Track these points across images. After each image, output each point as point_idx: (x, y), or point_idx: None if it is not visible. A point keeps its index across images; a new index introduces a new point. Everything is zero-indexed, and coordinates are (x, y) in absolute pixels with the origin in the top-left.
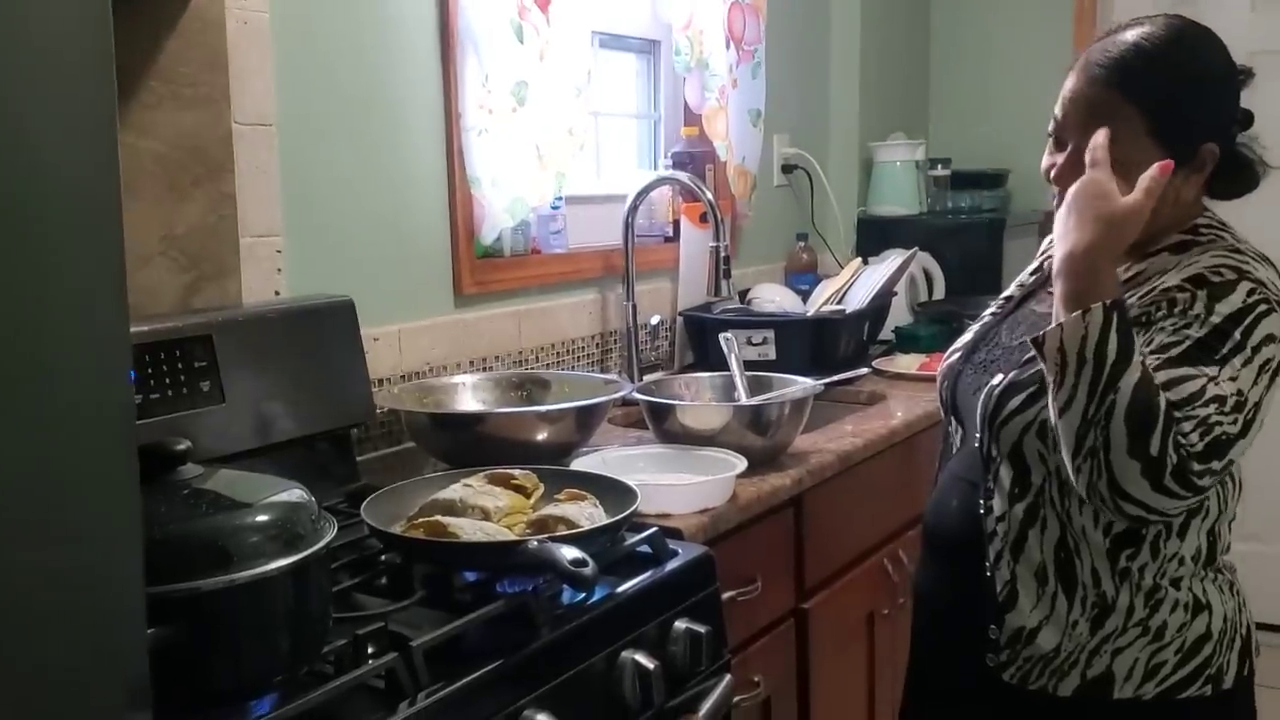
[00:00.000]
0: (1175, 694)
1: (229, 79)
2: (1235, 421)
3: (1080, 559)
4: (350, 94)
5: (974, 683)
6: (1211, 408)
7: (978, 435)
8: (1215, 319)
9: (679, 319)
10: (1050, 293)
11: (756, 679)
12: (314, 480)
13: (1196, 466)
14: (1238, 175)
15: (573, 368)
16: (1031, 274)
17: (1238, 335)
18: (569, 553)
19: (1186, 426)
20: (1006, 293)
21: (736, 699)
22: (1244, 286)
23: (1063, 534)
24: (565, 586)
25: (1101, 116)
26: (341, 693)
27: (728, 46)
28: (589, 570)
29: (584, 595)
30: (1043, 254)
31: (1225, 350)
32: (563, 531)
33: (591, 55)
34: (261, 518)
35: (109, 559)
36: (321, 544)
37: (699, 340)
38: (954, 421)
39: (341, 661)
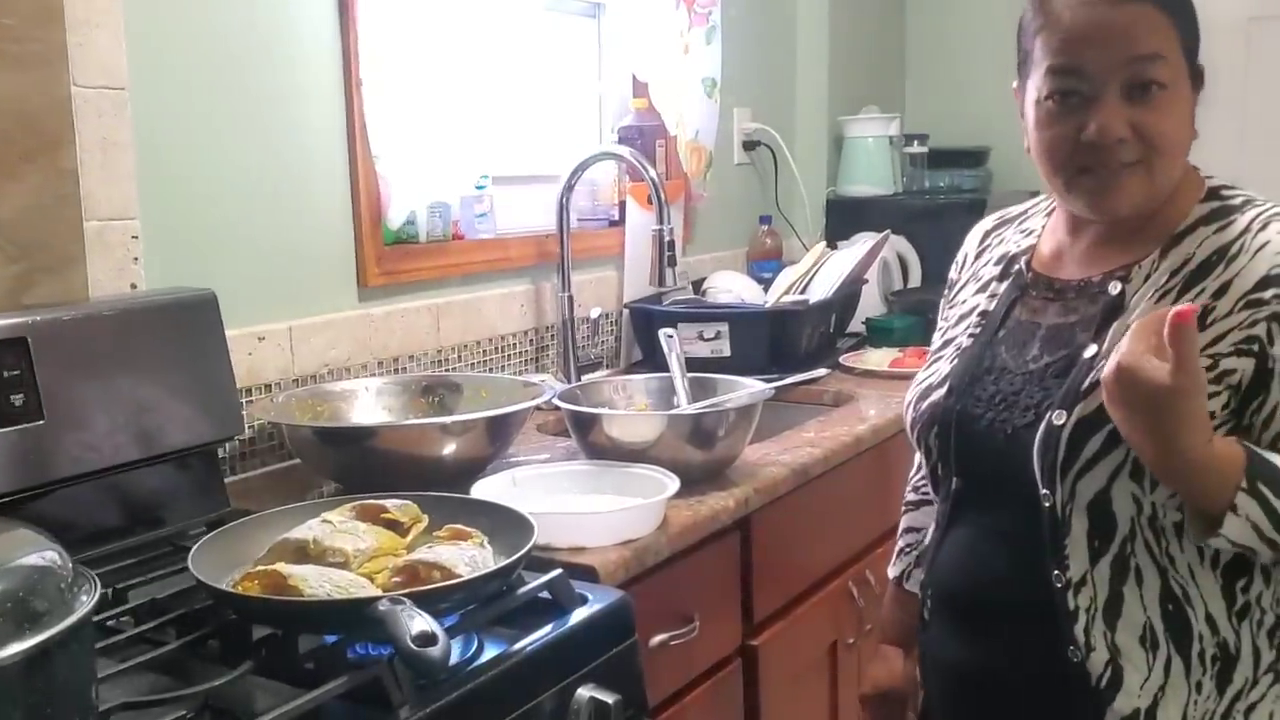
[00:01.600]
0: None
1: (65, 32)
2: None
3: (1192, 606)
4: (225, 52)
5: None
6: None
7: (1044, 490)
8: None
9: (624, 312)
10: (1045, 298)
11: None
12: (171, 507)
13: None
14: None
15: (503, 367)
16: (1000, 279)
17: None
18: (417, 625)
19: None
20: (973, 306)
21: None
22: None
23: (1164, 581)
24: (421, 677)
25: (1147, 38)
26: None
27: (677, 7)
28: (436, 650)
29: (461, 657)
30: (982, 250)
31: None
32: (434, 582)
33: (528, 17)
34: None
35: None
36: (70, 621)
37: (646, 335)
38: (957, 474)
39: None
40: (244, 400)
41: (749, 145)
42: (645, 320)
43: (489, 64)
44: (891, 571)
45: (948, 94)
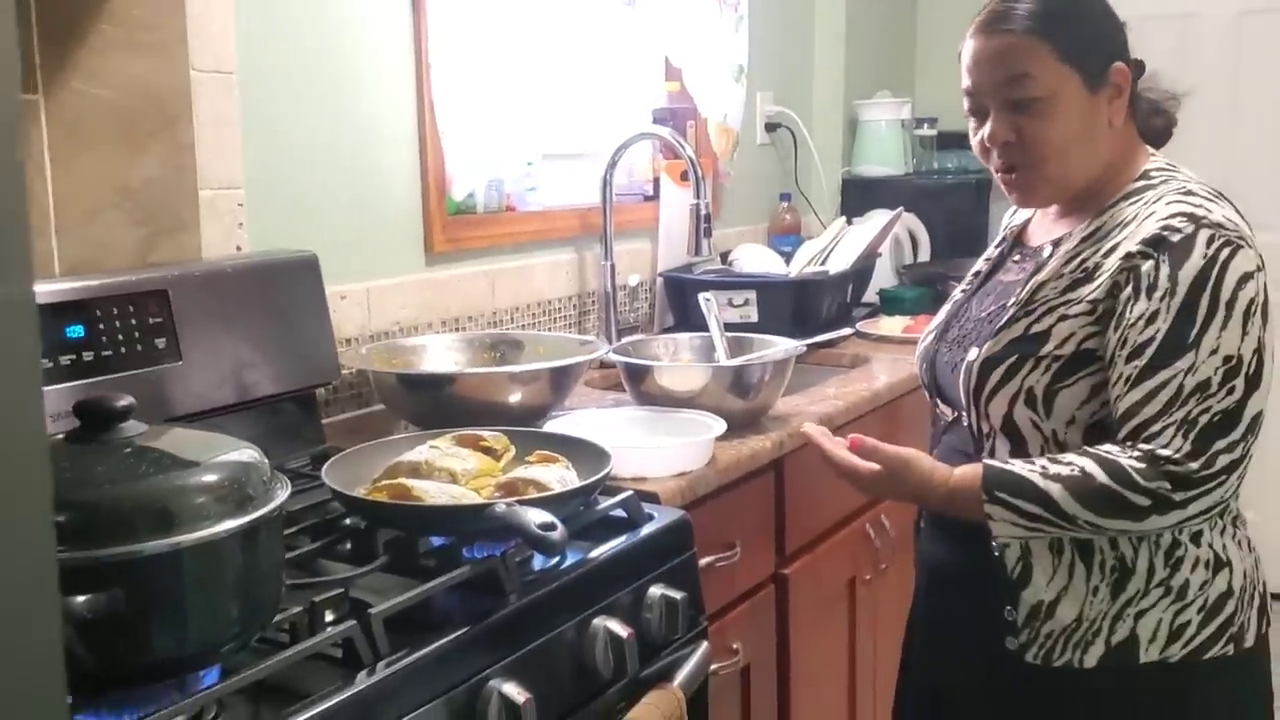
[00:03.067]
0: (1200, 654)
1: (186, 23)
2: (1231, 390)
3: None
4: (315, 40)
5: (995, 668)
6: (1191, 402)
7: (963, 413)
8: (1181, 292)
9: (659, 280)
10: (1015, 262)
11: (735, 646)
12: (278, 442)
13: (1194, 465)
14: (1152, 117)
15: (549, 329)
16: (996, 246)
17: (1205, 303)
18: (537, 516)
19: (1165, 438)
20: (975, 268)
21: (714, 667)
22: (1202, 236)
23: None
24: (534, 552)
25: (1014, 61)
26: (295, 662)
27: None
28: (557, 535)
29: (554, 561)
30: (1005, 226)
31: (1197, 328)
32: (532, 495)
33: (574, 6)
34: (208, 477)
35: None
36: (273, 505)
37: (679, 301)
38: (940, 402)
39: (296, 630)
40: None
41: (770, 127)
42: (678, 288)
43: (541, 50)
44: None
45: (956, 79)
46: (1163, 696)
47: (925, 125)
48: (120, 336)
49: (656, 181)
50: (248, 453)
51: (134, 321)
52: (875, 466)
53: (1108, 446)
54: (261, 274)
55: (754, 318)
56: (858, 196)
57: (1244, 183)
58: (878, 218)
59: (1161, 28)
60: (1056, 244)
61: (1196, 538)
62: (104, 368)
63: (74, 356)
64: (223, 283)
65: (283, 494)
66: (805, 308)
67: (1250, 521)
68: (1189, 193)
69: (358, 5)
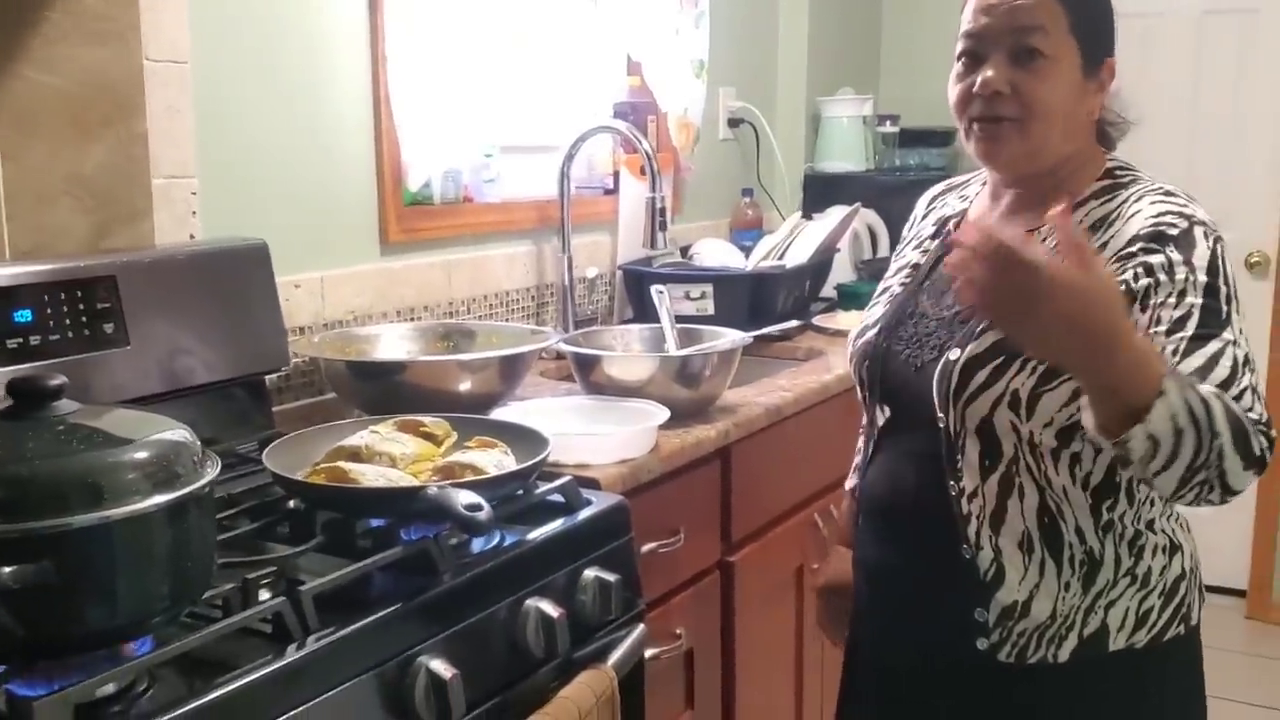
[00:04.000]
0: (1161, 637)
1: (139, 13)
2: (1254, 372)
3: (1064, 519)
4: (269, 30)
5: (959, 667)
6: (1246, 373)
7: (940, 414)
8: (1201, 276)
9: (618, 273)
10: None
11: (679, 631)
12: (227, 427)
13: (1273, 432)
14: (1108, 124)
15: (507, 320)
16: (933, 238)
17: (1223, 286)
18: (464, 498)
19: (1247, 401)
20: (908, 260)
21: (655, 651)
22: (1198, 231)
23: (1042, 498)
24: (473, 536)
25: (1033, 12)
26: (225, 636)
27: None
28: (483, 515)
29: (492, 542)
30: (925, 216)
31: (1224, 305)
32: (468, 478)
33: (535, 3)
34: (139, 455)
35: None
36: (201, 483)
37: (638, 294)
38: (883, 403)
39: (229, 605)
40: None
41: (733, 122)
42: (636, 281)
43: (501, 43)
44: (847, 484)
45: (919, 77)
46: (1127, 681)
47: (888, 122)
48: (68, 321)
49: (617, 175)
50: (179, 433)
51: (82, 307)
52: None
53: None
54: (211, 261)
55: (711, 310)
56: (820, 192)
57: (1203, 176)
58: (836, 213)
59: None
60: None
61: (1152, 525)
62: (51, 352)
63: (21, 340)
64: (172, 270)
65: (211, 472)
66: (762, 301)
67: (1206, 517)
68: (1169, 193)
69: None
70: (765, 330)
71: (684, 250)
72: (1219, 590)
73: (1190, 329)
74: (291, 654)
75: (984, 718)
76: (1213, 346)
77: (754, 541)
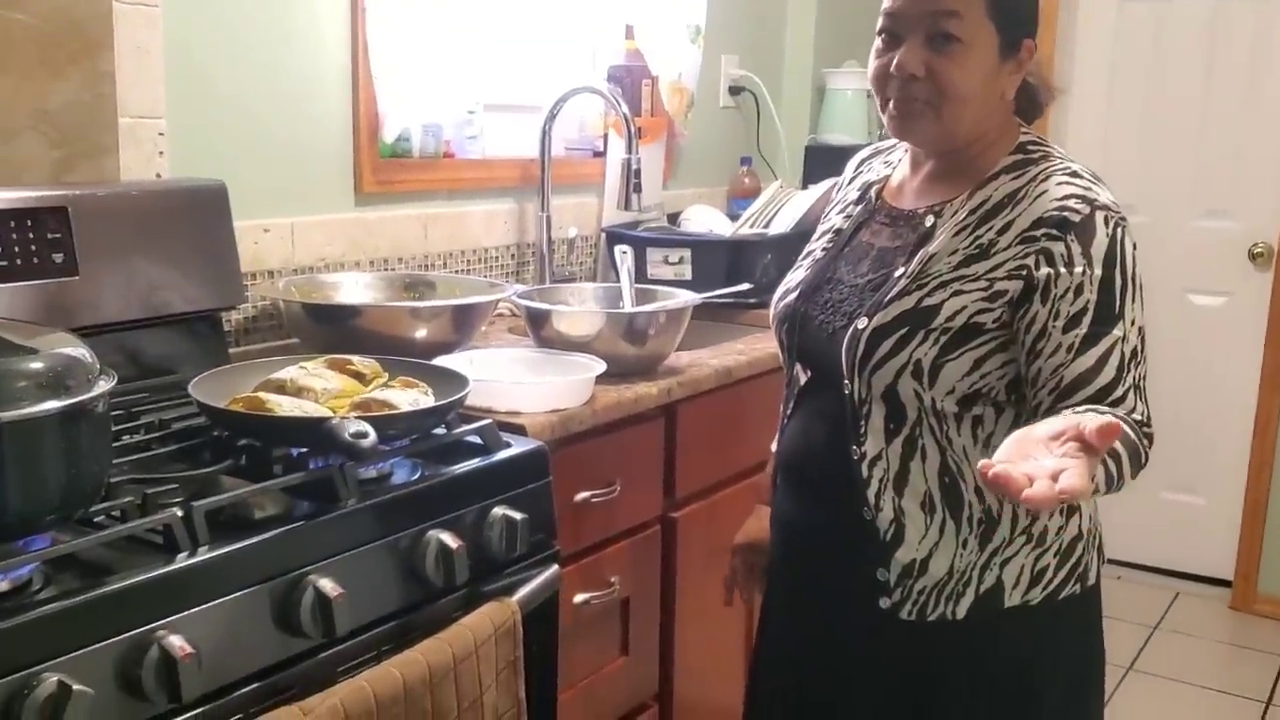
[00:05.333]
0: (1056, 595)
1: None
2: (1145, 357)
3: (964, 479)
4: None
5: (864, 626)
6: (1133, 368)
7: (846, 381)
8: (1098, 269)
9: (602, 235)
10: (884, 225)
11: (613, 579)
12: (180, 360)
13: (1152, 428)
14: (1029, 99)
15: (485, 275)
16: (857, 203)
17: (1118, 276)
18: (354, 427)
19: (1130, 402)
20: (832, 225)
21: (586, 596)
22: (1099, 217)
23: (944, 458)
24: (356, 462)
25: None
26: (121, 545)
27: None
28: (366, 443)
29: (416, 475)
30: (851, 181)
31: (1118, 298)
32: (382, 413)
33: None
34: (33, 365)
35: None
36: (91, 395)
37: None
38: (801, 365)
39: (125, 515)
40: (248, 283)
41: (735, 90)
42: (619, 243)
43: (493, 2)
44: (772, 446)
45: None
46: (1023, 637)
47: None
48: (16, 249)
49: (606, 137)
50: (78, 350)
51: (31, 235)
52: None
53: (1100, 409)
54: (167, 199)
55: (688, 276)
56: (821, 164)
57: (1118, 159)
58: (828, 184)
59: (1137, 11)
60: (937, 213)
61: None
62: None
63: None
64: (126, 205)
65: (105, 387)
66: (740, 268)
67: (1196, 506)
68: (1075, 174)
69: None
70: (716, 293)
71: (674, 216)
72: (1205, 580)
73: (1084, 326)
74: (180, 562)
75: (890, 674)
76: (1103, 345)
77: (700, 500)
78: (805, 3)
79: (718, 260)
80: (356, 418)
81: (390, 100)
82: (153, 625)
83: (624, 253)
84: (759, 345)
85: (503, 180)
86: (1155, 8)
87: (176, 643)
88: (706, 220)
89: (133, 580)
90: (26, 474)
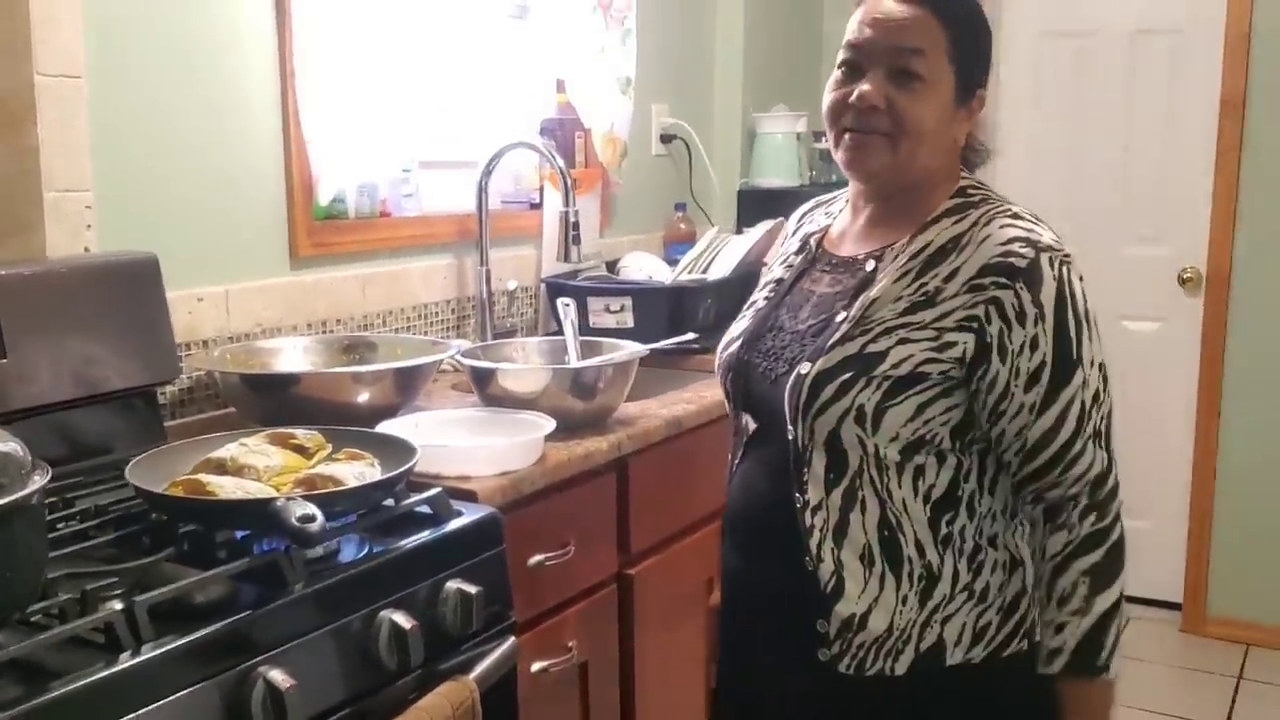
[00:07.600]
0: (1000, 652)
1: (30, 28)
2: (1108, 392)
3: (904, 533)
4: (172, 40)
5: (808, 680)
6: (1094, 414)
7: (789, 426)
8: (1049, 316)
9: (542, 286)
10: (825, 272)
11: (570, 644)
12: (116, 439)
13: (1114, 472)
14: (970, 150)
15: (425, 333)
16: (797, 254)
17: (1071, 320)
18: (300, 509)
19: (1088, 457)
20: (774, 275)
21: (544, 664)
22: (1044, 259)
23: (883, 511)
24: (340, 545)
25: (916, 34)
26: (62, 646)
27: (594, 11)
28: (315, 526)
29: (362, 553)
30: (795, 233)
31: (1074, 344)
32: (328, 490)
33: (460, 16)
34: None
35: None
36: (25, 493)
37: None
38: (746, 414)
39: (65, 614)
40: (183, 354)
41: (666, 138)
42: (559, 294)
43: (421, 60)
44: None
45: None
46: (967, 696)
47: (822, 139)
48: None
49: (542, 190)
50: (8, 444)
51: None
52: None
53: (1048, 531)
54: (97, 274)
55: (630, 324)
56: (754, 207)
57: (1043, 189)
58: (764, 227)
59: (1059, 45)
60: (878, 258)
61: (994, 540)
62: None
63: None
64: (54, 282)
65: (38, 483)
66: (681, 314)
67: (1142, 530)
68: (1016, 216)
69: (217, 7)
70: (662, 344)
71: (612, 264)
72: (1154, 603)
73: (1044, 382)
74: (124, 662)
75: None
76: (1063, 399)
77: (656, 554)
78: (732, 50)
79: (659, 307)
80: (302, 497)
81: (323, 162)
82: None
83: (566, 305)
84: (706, 393)
85: (440, 236)
86: (1074, 42)
87: None
88: (645, 266)
89: (76, 685)
90: None
